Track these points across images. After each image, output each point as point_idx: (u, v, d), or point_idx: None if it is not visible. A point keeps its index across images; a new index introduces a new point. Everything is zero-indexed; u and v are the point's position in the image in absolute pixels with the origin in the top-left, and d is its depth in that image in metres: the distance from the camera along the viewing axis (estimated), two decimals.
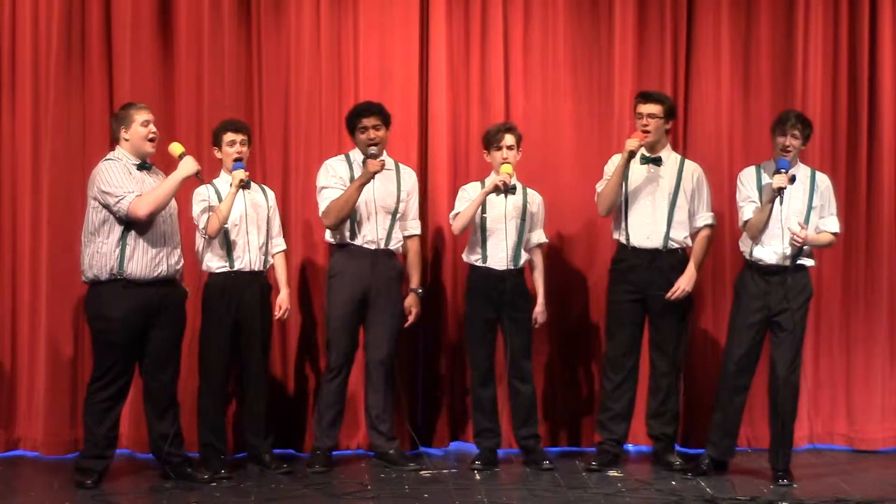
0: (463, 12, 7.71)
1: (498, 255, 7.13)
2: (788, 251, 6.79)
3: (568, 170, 7.57)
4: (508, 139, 7.11)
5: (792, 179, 6.79)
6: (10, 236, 7.48)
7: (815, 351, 7.78)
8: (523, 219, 7.17)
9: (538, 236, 7.27)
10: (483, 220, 7.13)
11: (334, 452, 7.27)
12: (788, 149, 6.82)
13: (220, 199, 6.93)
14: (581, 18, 7.76)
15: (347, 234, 7.12)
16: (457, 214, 7.16)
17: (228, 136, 6.99)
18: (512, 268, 7.13)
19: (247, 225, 6.97)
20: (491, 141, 7.15)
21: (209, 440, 6.99)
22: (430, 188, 7.70)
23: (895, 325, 7.80)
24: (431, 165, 7.71)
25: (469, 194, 7.19)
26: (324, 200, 7.09)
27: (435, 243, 7.72)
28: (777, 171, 6.76)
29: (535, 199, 7.27)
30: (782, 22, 7.77)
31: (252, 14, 7.60)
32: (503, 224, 7.10)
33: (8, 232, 7.48)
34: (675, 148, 7.67)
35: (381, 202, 7.14)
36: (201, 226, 6.90)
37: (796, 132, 6.83)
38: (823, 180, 6.98)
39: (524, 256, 7.20)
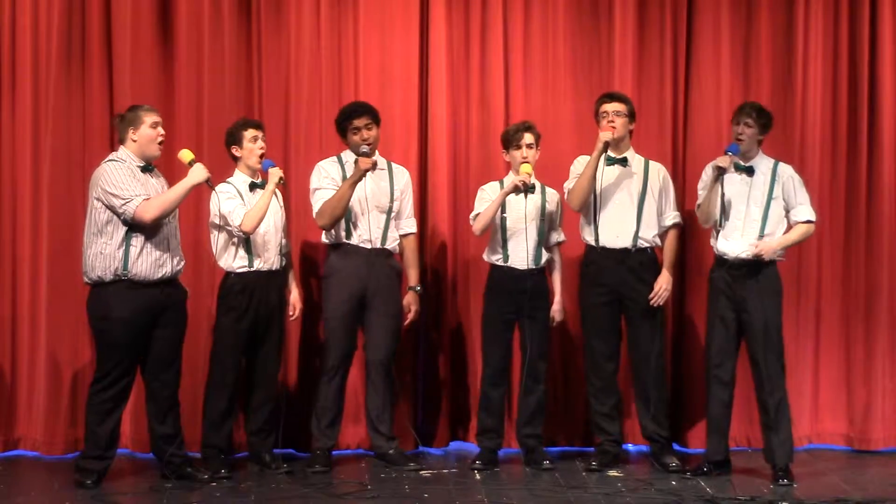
0: (463, 12, 7.72)
1: (519, 255, 7.13)
2: (748, 253, 6.83)
3: (568, 170, 7.55)
4: (528, 138, 7.12)
5: (750, 171, 6.88)
6: (10, 236, 7.48)
7: (815, 351, 7.79)
8: (543, 218, 7.17)
9: (557, 235, 7.28)
10: (503, 220, 7.13)
11: (334, 452, 7.27)
12: (741, 137, 6.89)
13: (241, 196, 6.94)
14: (581, 18, 7.76)
15: (343, 233, 7.12)
16: (477, 215, 7.15)
17: (251, 133, 6.99)
18: (533, 267, 7.14)
19: (268, 224, 6.97)
20: (510, 140, 7.15)
21: (213, 440, 6.99)
22: (430, 188, 7.70)
23: (895, 325, 7.80)
24: (431, 165, 7.71)
25: (488, 194, 7.18)
26: (317, 201, 7.09)
27: (434, 243, 7.72)
28: (725, 154, 6.88)
29: (554, 198, 7.27)
30: (782, 22, 7.77)
31: (252, 14, 7.60)
32: (524, 224, 7.10)
33: (8, 232, 7.48)
34: (675, 147, 7.70)
35: (375, 201, 7.14)
36: (236, 222, 6.89)
37: (749, 121, 6.88)
38: (785, 171, 6.98)
39: (545, 256, 7.20)
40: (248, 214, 6.86)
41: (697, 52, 7.77)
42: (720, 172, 6.85)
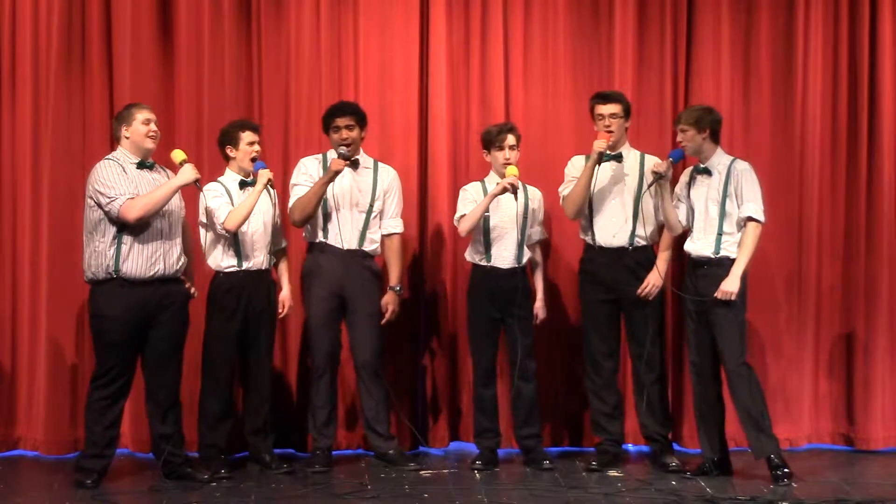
0: (463, 12, 7.71)
1: (503, 255, 7.13)
2: (710, 251, 6.84)
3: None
4: (510, 139, 7.12)
5: (708, 172, 6.88)
6: (11, 236, 7.48)
7: (815, 351, 7.79)
8: (525, 216, 7.18)
9: (538, 233, 7.29)
10: (486, 220, 7.13)
11: (334, 452, 7.27)
12: (682, 143, 6.92)
13: (230, 197, 6.94)
14: (581, 18, 7.76)
15: (319, 232, 7.12)
16: (461, 217, 7.15)
17: (249, 136, 6.99)
18: (516, 266, 7.14)
19: (258, 224, 6.97)
20: (492, 141, 7.15)
21: (211, 440, 6.99)
22: (430, 188, 7.70)
23: (895, 325, 7.80)
24: (431, 165, 7.71)
25: (471, 195, 7.18)
26: (292, 198, 7.10)
27: (434, 243, 7.72)
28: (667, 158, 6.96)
29: (536, 196, 7.28)
30: (782, 22, 7.77)
31: (252, 14, 7.60)
32: (511, 225, 7.11)
33: (8, 232, 7.48)
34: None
35: (353, 200, 7.13)
36: (220, 220, 6.89)
37: (682, 126, 6.90)
38: (737, 166, 6.92)
39: (527, 254, 7.21)
40: (232, 213, 6.86)
41: (697, 52, 7.77)
42: (656, 178, 6.89)
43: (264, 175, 6.90)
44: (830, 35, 7.77)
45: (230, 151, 7.03)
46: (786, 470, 6.81)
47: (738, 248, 6.83)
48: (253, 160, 6.98)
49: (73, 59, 7.46)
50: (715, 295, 6.77)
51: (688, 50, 7.78)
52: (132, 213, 6.51)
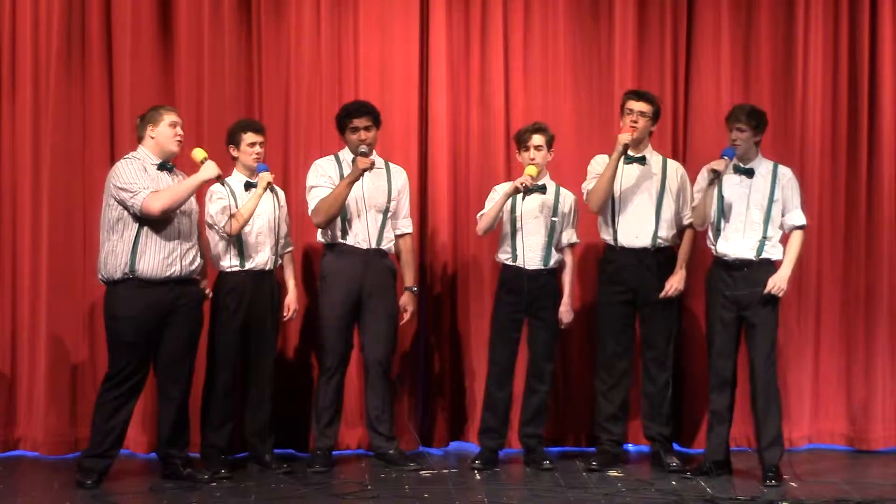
0: (463, 12, 7.72)
1: (528, 254, 7.12)
2: (751, 254, 6.84)
3: (568, 169, 7.56)
4: (536, 139, 7.12)
5: (750, 173, 6.89)
6: (10, 236, 7.48)
7: (815, 350, 7.79)
8: (554, 217, 7.17)
9: (569, 236, 7.28)
10: (513, 219, 7.13)
11: (334, 452, 7.27)
12: (736, 142, 6.89)
13: (234, 197, 6.94)
14: (581, 18, 7.77)
15: (339, 233, 7.12)
16: (483, 214, 7.16)
17: (250, 137, 7.00)
18: (542, 267, 7.14)
19: (262, 225, 6.98)
20: (520, 141, 7.16)
21: (212, 440, 6.99)
22: (429, 188, 7.70)
23: (895, 325, 7.80)
24: (431, 165, 7.71)
25: (498, 194, 7.18)
26: (313, 199, 7.09)
27: (434, 243, 7.72)
28: (721, 157, 6.90)
29: (568, 199, 7.26)
30: (782, 22, 7.78)
31: (252, 14, 7.61)
32: (528, 222, 7.10)
33: (8, 232, 7.48)
34: (675, 148, 7.70)
35: (373, 201, 7.14)
36: (221, 224, 6.89)
37: (740, 125, 6.87)
38: (785, 173, 6.97)
39: (555, 256, 7.20)
40: (232, 218, 6.86)
41: (697, 52, 7.78)
42: (715, 176, 6.86)
43: (264, 178, 6.90)
44: (830, 35, 7.77)
45: (233, 151, 7.05)
46: (772, 475, 6.80)
47: (786, 251, 6.87)
48: (255, 160, 6.99)
49: (73, 59, 7.46)
50: (768, 289, 6.77)
51: (688, 50, 7.78)
52: (155, 205, 6.49)
